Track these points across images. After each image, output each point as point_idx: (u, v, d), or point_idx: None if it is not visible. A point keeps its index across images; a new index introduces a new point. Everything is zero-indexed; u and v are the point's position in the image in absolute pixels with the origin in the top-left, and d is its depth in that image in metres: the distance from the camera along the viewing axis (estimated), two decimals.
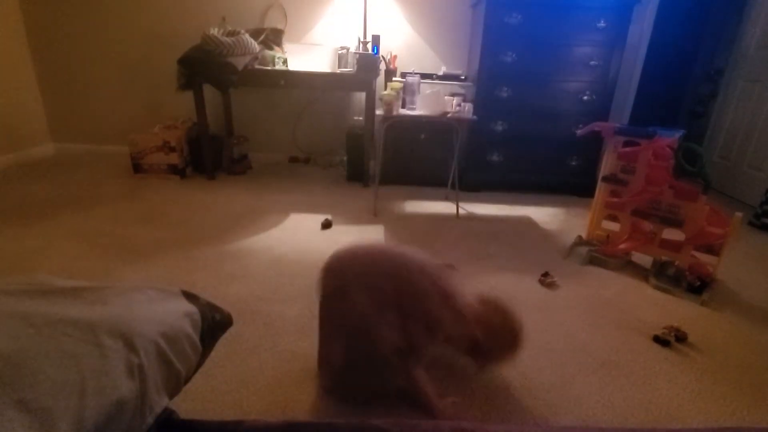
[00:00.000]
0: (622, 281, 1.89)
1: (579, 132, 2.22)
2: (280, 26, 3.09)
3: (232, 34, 2.76)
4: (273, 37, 2.95)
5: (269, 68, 2.78)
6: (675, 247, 1.89)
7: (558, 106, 2.90)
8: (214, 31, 2.71)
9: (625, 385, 1.27)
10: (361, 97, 3.29)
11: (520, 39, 2.75)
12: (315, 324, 1.44)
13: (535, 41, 2.76)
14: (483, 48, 2.79)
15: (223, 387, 1.17)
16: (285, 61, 2.83)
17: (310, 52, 2.86)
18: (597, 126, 2.12)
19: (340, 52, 2.92)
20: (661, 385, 1.28)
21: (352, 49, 2.90)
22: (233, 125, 3.38)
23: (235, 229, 2.20)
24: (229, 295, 1.60)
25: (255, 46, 2.77)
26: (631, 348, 1.44)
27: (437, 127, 2.86)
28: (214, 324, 1.31)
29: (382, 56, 3.01)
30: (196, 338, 1.20)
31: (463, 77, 3.00)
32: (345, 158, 3.17)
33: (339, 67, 2.92)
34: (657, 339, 1.47)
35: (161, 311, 0.99)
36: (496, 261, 2.00)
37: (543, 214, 2.67)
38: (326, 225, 2.25)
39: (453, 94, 2.60)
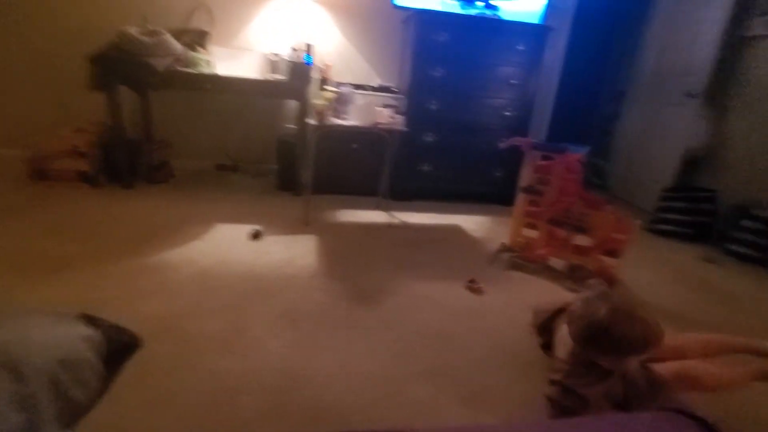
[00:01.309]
0: (540, 284, 2.03)
1: (501, 145, 2.37)
2: (206, 28, 2.96)
3: (152, 34, 2.58)
4: (198, 39, 2.81)
5: (194, 71, 2.64)
6: (584, 251, 2.07)
7: (483, 120, 3.08)
8: (133, 30, 2.52)
9: (540, 380, 1.36)
10: (292, 105, 3.24)
11: (448, 56, 2.89)
12: (240, 340, 1.38)
13: (461, 59, 2.92)
14: (413, 63, 2.89)
15: (133, 413, 1.06)
16: (209, 64, 2.70)
17: (239, 57, 2.77)
18: (516, 141, 2.28)
19: (271, 58, 2.86)
20: None
21: (285, 57, 2.85)
22: (154, 130, 3.15)
23: (154, 241, 2.03)
24: (144, 312, 1.47)
25: (177, 46, 2.62)
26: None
27: (369, 137, 2.90)
28: (119, 347, 1.20)
29: (316, 65, 3.00)
30: (99, 363, 1.09)
31: (395, 89, 3.08)
32: (276, 167, 3.09)
33: (270, 74, 2.85)
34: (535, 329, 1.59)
35: (58, 336, 0.89)
36: (426, 268, 2.06)
37: (470, 222, 2.80)
38: (255, 235, 2.17)
39: (385, 106, 2.65)
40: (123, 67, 2.51)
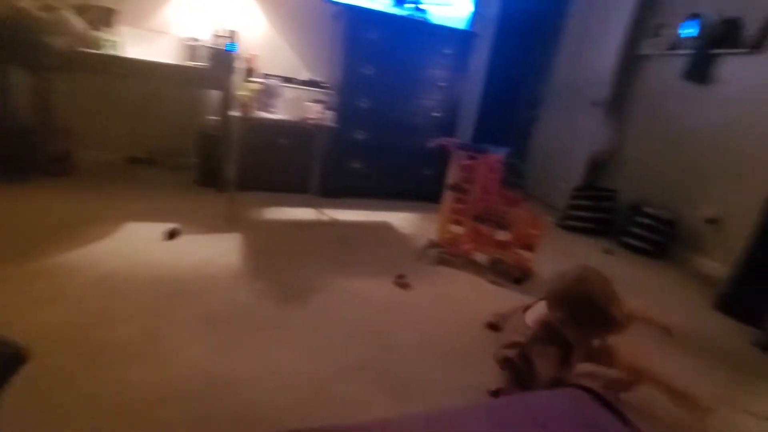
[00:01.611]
0: (464, 278, 2.13)
1: (429, 145, 2.45)
2: (113, 6, 2.66)
3: (48, 8, 2.27)
4: (103, 18, 2.52)
5: (99, 53, 2.37)
6: (504, 246, 2.22)
7: (413, 120, 3.16)
8: (26, 3, 2.20)
9: (465, 368, 1.43)
10: (214, 95, 3.05)
11: (379, 54, 2.92)
12: (154, 348, 1.27)
13: (392, 58, 2.96)
14: (344, 59, 2.87)
15: None
16: (115, 45, 2.44)
17: (153, 40, 2.54)
18: (443, 141, 2.37)
19: (190, 43, 2.66)
20: (491, 364, 1.47)
21: (205, 43, 2.67)
22: (54, 117, 2.77)
23: (50, 242, 1.79)
24: (38, 322, 1.30)
25: (79, 24, 2.33)
26: (469, 336, 1.62)
27: (298, 132, 2.82)
28: (1, 362, 1.04)
29: (240, 54, 2.85)
30: None
31: (325, 85, 3.04)
32: (196, 161, 2.89)
33: (189, 61, 2.65)
34: (490, 325, 1.69)
35: None
36: (355, 266, 2.06)
37: (400, 220, 2.86)
38: (171, 234, 2.00)
39: (315, 101, 2.61)
40: (14, 45, 2.18)
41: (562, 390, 0.94)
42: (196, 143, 2.82)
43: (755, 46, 2.51)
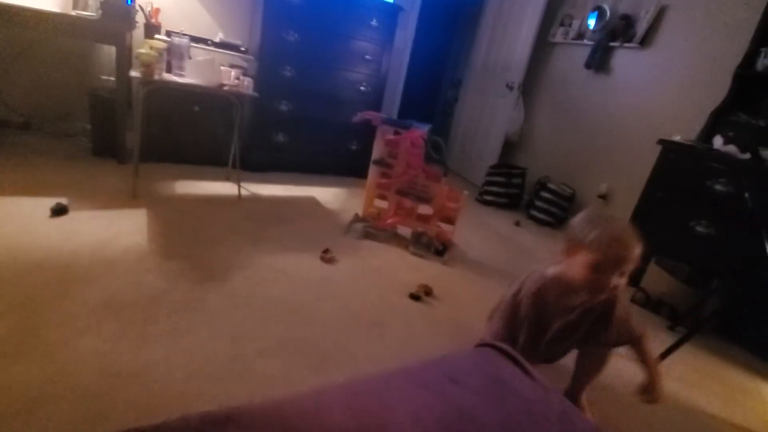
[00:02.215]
0: (389, 251, 2.17)
1: (354, 119, 2.40)
2: None
3: None
4: None
5: None
6: (426, 219, 2.29)
7: (339, 93, 3.07)
8: None
9: (388, 338, 1.47)
10: (108, 51, 2.65)
11: (303, 21, 2.76)
12: (37, 342, 1.10)
13: (317, 25, 2.82)
14: (264, 22, 2.66)
15: None
16: None
17: None
18: (368, 115, 2.34)
19: None
20: (413, 331, 1.53)
21: None
22: None
23: None
24: None
25: None
26: (393, 307, 1.66)
27: (215, 100, 2.59)
28: None
29: (140, 6, 2.50)
30: None
31: (243, 49, 2.81)
32: (89, 126, 2.51)
33: (74, 9, 2.26)
34: (411, 296, 1.75)
35: None
36: (279, 242, 1.99)
37: (326, 194, 2.81)
38: (59, 211, 1.74)
39: (231, 66, 2.40)
40: None
41: (475, 349, 1.01)
42: (89, 107, 2.45)
43: (643, 42, 2.83)
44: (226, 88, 2.17)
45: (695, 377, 1.68)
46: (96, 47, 2.68)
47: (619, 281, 1.07)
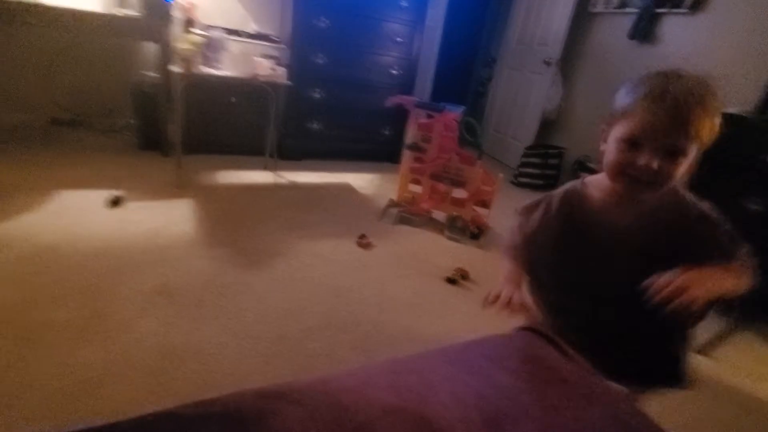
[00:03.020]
0: (424, 235, 2.17)
1: (387, 103, 2.39)
2: None
3: None
4: None
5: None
6: (461, 203, 2.27)
7: (371, 77, 3.05)
8: None
9: (425, 320, 1.48)
10: (149, 47, 2.76)
11: (333, 6, 2.75)
12: (101, 325, 1.19)
13: (347, 10, 2.80)
14: (295, 10, 2.68)
15: None
16: None
17: None
18: (400, 99, 2.32)
19: None
20: (450, 314, 1.54)
21: None
22: None
23: None
24: None
25: None
26: (430, 290, 1.68)
27: (250, 90, 2.65)
28: None
29: (178, 2, 2.57)
30: None
31: (275, 38, 2.84)
32: (134, 122, 2.64)
33: (118, 8, 2.36)
34: (448, 279, 1.76)
35: None
36: (317, 228, 2.03)
37: (360, 180, 2.83)
38: (114, 202, 1.86)
39: (265, 56, 2.43)
40: None
41: (515, 332, 1.01)
42: (132, 102, 2.57)
43: (694, 6, 2.62)
44: (260, 78, 2.21)
45: (760, 369, 1.59)
46: (137, 44, 2.79)
47: (673, 165, 0.71)
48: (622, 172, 0.76)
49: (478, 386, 0.75)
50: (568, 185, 0.96)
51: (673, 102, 0.69)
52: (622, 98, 0.80)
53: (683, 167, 0.74)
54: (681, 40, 2.75)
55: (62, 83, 2.70)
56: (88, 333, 1.17)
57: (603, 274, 0.86)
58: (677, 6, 2.71)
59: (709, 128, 0.72)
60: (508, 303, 0.88)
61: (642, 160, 0.72)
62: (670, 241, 0.80)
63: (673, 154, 0.71)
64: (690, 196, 0.82)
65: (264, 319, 1.34)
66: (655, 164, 0.71)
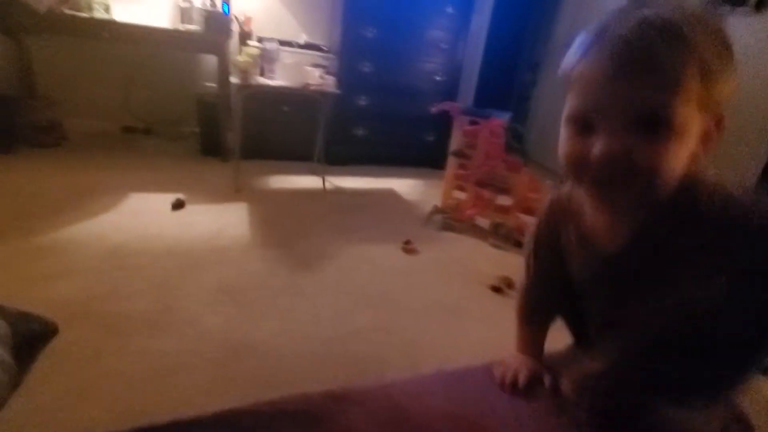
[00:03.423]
0: (468, 242, 2.18)
1: (432, 110, 2.42)
2: None
3: None
4: None
5: (86, 15, 2.26)
6: (506, 210, 2.25)
7: (415, 84, 3.10)
8: None
9: (469, 327, 1.49)
10: (210, 60, 2.95)
11: (379, 15, 2.82)
12: (172, 318, 1.30)
13: (393, 19, 2.86)
14: (344, 21, 2.77)
15: (54, 404, 0.97)
16: (108, 8, 2.34)
17: (142, 2, 2.42)
18: (446, 105, 2.34)
19: (182, 5, 2.54)
20: (494, 322, 1.54)
21: (197, 4, 2.55)
22: (37, 84, 2.68)
23: (52, 216, 1.79)
24: (53, 298, 1.32)
25: None
26: (474, 297, 1.68)
27: (300, 99, 2.77)
28: (30, 335, 1.08)
29: (235, 16, 2.73)
30: (6, 356, 0.98)
31: (325, 48, 2.94)
32: (197, 130, 2.84)
33: (181, 23, 2.54)
34: (493, 288, 1.75)
35: None
36: (363, 232, 2.09)
37: (404, 186, 2.87)
38: (178, 205, 2.01)
39: (315, 65, 2.54)
40: None
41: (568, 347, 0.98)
42: (195, 111, 2.76)
43: (759, 5, 2.46)
44: (312, 87, 2.31)
45: None
46: (200, 57, 2.99)
47: (655, 145, 0.45)
48: (577, 170, 0.52)
49: (537, 408, 0.74)
50: (553, 196, 0.71)
51: (627, 41, 0.44)
52: (567, 59, 0.56)
53: (680, 146, 0.45)
54: (743, 41, 2.57)
55: (136, 94, 2.95)
56: (162, 324, 1.28)
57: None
58: (740, 4, 2.54)
59: (706, 75, 0.44)
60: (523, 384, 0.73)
61: (596, 147, 0.47)
62: (690, 279, 0.49)
63: (651, 125, 0.44)
64: (735, 195, 0.49)
65: (315, 320, 1.41)
66: (614, 147, 0.46)
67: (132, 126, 2.99)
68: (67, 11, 2.23)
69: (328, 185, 2.65)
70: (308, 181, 2.68)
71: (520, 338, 0.83)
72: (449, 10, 2.97)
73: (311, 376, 1.18)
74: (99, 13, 2.30)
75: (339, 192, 2.60)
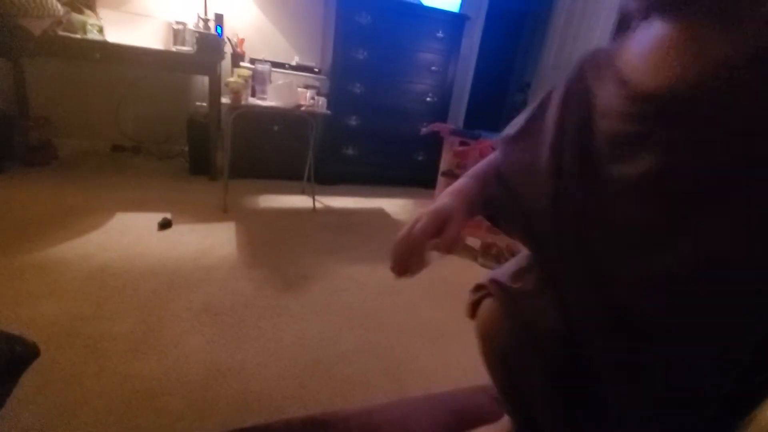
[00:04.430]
0: (457, 262, 2.17)
1: (423, 131, 2.45)
2: None
3: None
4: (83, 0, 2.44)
5: (79, 37, 2.29)
6: (496, 230, 2.26)
7: (406, 105, 3.15)
8: None
9: (457, 348, 1.48)
10: (202, 80, 2.98)
11: (371, 38, 2.88)
12: (154, 339, 1.28)
13: (384, 42, 2.93)
14: (335, 43, 2.83)
15: (36, 426, 0.94)
16: (101, 30, 2.37)
17: (135, 24, 2.46)
18: (436, 126, 2.38)
19: (176, 27, 2.59)
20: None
21: (191, 26, 2.60)
22: (30, 104, 2.69)
23: (38, 235, 1.76)
24: (36, 318, 1.29)
25: (58, 7, 2.24)
26: (462, 318, 1.64)
27: (291, 119, 2.80)
28: (13, 358, 1.05)
29: (228, 38, 2.78)
30: None
31: (316, 70, 2.99)
32: (186, 149, 2.85)
33: (174, 45, 2.58)
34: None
35: None
36: (352, 252, 2.08)
37: (394, 206, 2.88)
38: (164, 225, 1.99)
39: (306, 86, 2.57)
40: None
41: None
42: (185, 131, 2.78)
43: None
44: (303, 108, 2.34)
45: None
46: (191, 77, 3.02)
47: None
48: None
49: None
50: (586, 55, 0.58)
51: None
52: None
53: None
54: None
55: (126, 113, 2.97)
56: (144, 346, 1.25)
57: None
58: None
59: None
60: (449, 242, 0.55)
61: None
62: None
63: None
64: None
65: (300, 342, 1.39)
66: None
67: (121, 145, 2.99)
68: (61, 33, 2.25)
69: (317, 204, 2.65)
70: (298, 201, 2.68)
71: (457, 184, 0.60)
72: (440, 34, 3.05)
73: (294, 400, 1.15)
74: (92, 35, 2.33)
75: (328, 211, 2.61)
